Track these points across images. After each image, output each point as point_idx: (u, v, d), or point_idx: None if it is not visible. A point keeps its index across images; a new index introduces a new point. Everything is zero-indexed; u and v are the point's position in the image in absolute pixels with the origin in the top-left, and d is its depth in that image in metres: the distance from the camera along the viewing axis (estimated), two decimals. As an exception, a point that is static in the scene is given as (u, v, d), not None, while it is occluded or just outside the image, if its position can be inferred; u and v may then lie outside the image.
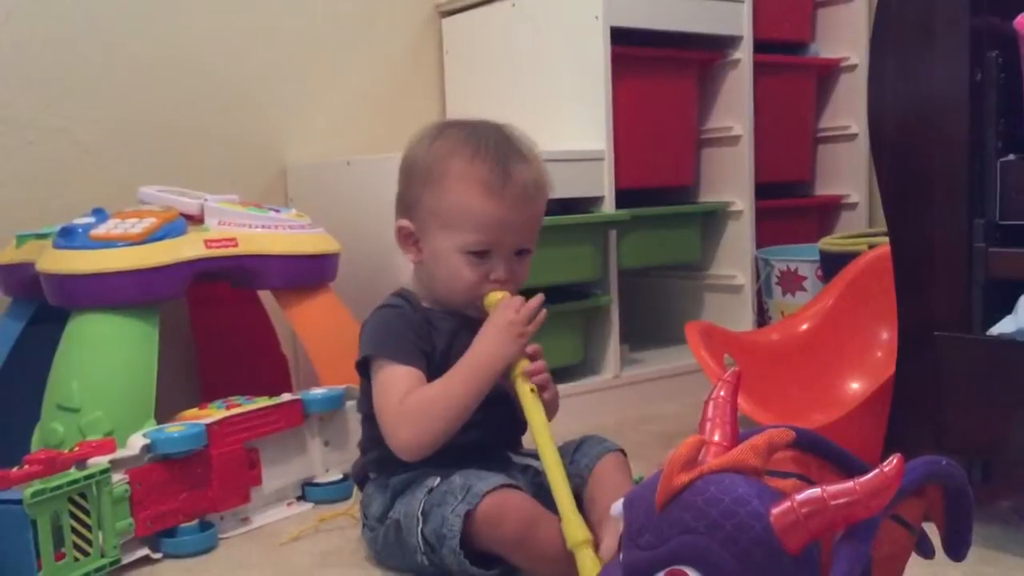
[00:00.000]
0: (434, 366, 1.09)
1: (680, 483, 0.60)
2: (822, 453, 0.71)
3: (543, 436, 1.03)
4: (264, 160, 1.88)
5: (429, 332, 1.11)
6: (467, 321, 1.11)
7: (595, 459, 1.10)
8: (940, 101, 1.13)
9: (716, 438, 0.65)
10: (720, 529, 0.57)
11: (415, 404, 1.05)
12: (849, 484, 0.56)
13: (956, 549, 0.71)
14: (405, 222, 1.14)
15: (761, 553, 0.57)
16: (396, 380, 1.07)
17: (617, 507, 0.67)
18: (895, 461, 0.56)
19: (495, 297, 1.10)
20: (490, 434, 1.12)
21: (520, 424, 1.12)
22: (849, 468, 0.71)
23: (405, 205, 1.15)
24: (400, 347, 1.08)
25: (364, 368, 1.12)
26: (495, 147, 1.10)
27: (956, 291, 1.13)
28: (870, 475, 0.56)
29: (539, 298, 1.10)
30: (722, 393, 0.68)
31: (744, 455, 0.61)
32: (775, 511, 0.57)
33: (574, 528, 0.96)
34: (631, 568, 0.60)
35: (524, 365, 1.07)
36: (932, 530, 0.74)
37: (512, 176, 1.08)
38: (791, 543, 0.57)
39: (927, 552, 0.74)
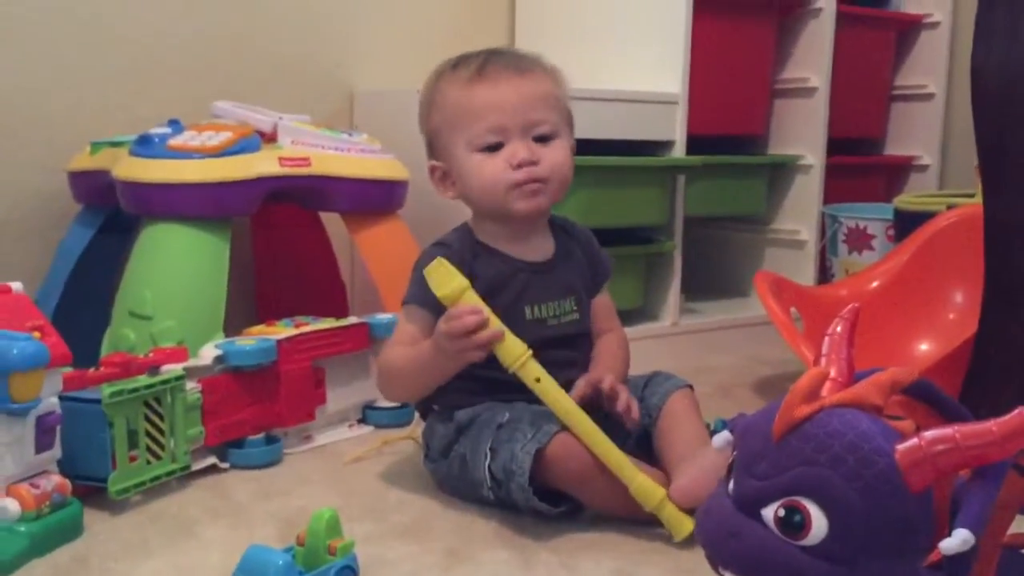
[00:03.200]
0: None
1: (801, 414, 0.58)
2: (930, 400, 0.69)
3: (570, 413, 0.99)
4: (332, 84, 1.85)
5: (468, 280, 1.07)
6: (516, 267, 1.09)
7: (664, 397, 1.09)
8: (1050, 57, 1.09)
9: (832, 374, 0.63)
10: (843, 463, 0.56)
11: (384, 364, 1.11)
12: (985, 424, 0.55)
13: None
14: (433, 161, 1.14)
15: (884, 489, 0.56)
16: (397, 331, 1.11)
17: (722, 438, 0.66)
18: (1034, 405, 0.55)
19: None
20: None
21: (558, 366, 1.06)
22: (956, 418, 0.69)
23: (429, 145, 1.15)
24: (417, 299, 1.08)
25: None
26: (483, 56, 1.10)
27: (1050, 253, 1.10)
28: (1010, 416, 0.54)
29: (479, 318, 0.99)
30: (839, 329, 0.66)
31: (867, 392, 0.60)
32: (901, 448, 0.56)
33: (648, 488, 0.96)
34: (744, 496, 0.59)
35: (522, 357, 0.99)
36: None
37: (488, 65, 1.08)
38: (915, 481, 0.55)
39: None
